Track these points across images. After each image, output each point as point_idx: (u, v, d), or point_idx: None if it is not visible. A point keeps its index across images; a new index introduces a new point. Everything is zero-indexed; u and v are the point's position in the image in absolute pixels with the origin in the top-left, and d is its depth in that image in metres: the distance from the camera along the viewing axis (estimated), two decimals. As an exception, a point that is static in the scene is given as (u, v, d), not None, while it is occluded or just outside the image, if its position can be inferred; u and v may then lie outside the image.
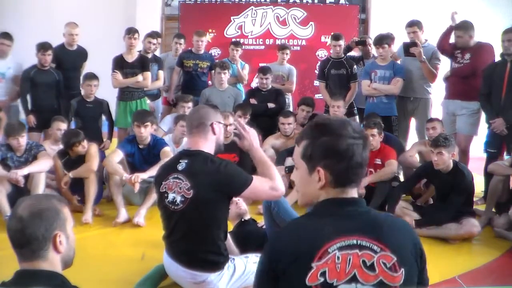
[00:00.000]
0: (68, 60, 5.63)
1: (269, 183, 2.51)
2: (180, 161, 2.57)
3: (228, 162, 2.63)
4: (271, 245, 1.38)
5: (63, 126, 4.89)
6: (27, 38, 6.47)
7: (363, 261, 1.27)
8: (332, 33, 6.15)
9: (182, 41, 6.42)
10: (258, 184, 2.49)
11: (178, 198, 2.50)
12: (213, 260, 2.55)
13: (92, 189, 4.23)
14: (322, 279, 1.25)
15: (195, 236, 2.51)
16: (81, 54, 5.86)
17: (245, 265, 2.67)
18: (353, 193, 1.38)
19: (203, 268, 2.53)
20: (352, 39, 6.30)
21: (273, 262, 1.31)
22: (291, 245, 1.32)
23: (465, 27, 4.91)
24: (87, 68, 5.81)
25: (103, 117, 5.51)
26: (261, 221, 3.41)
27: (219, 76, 5.71)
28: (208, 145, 2.62)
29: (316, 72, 7.59)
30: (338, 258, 1.26)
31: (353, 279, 1.26)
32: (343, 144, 1.34)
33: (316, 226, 1.34)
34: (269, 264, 1.33)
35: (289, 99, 6.40)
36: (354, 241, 1.28)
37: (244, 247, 3.02)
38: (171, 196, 2.52)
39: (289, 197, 4.52)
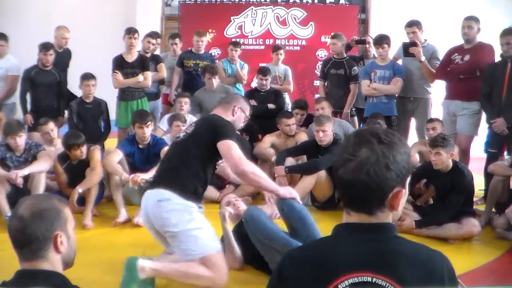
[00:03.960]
0: (58, 61, 5.67)
1: (244, 159, 2.73)
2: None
3: (232, 124, 2.92)
4: (281, 270, 1.25)
5: (51, 126, 4.77)
6: (25, 38, 6.50)
7: None
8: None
9: (177, 40, 6.42)
10: (234, 147, 2.73)
11: (182, 134, 2.95)
12: (186, 186, 2.73)
13: (93, 192, 4.20)
14: None
15: (181, 160, 2.79)
16: (68, 54, 6.00)
17: (206, 223, 2.75)
18: (382, 217, 1.21)
19: (173, 188, 2.70)
20: (352, 38, 6.30)
21: (280, 285, 1.24)
22: (300, 274, 1.20)
23: (475, 18, 4.90)
24: (87, 69, 5.82)
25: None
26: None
27: (210, 82, 5.70)
28: (224, 116, 2.94)
29: (316, 72, 7.64)
30: None
31: None
32: (336, 164, 1.23)
33: (330, 253, 1.21)
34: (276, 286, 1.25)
35: (287, 98, 6.39)
36: (369, 278, 1.15)
37: (245, 247, 3.02)
38: (181, 135, 2.97)
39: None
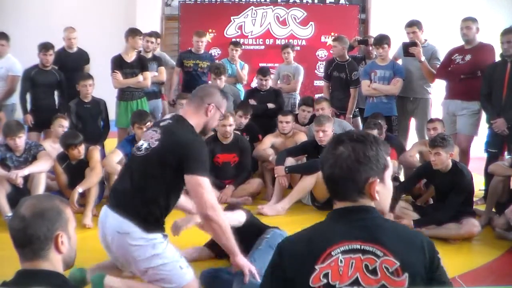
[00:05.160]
0: (68, 62, 5.71)
1: (216, 205, 2.43)
2: (166, 119, 2.67)
3: (203, 146, 2.58)
4: (280, 247, 1.41)
5: (65, 123, 4.87)
6: (26, 38, 6.48)
7: (366, 265, 1.29)
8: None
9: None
10: (205, 186, 2.41)
11: (145, 145, 2.52)
12: (146, 215, 2.44)
13: (93, 192, 4.20)
14: (325, 281, 1.29)
15: (142, 186, 2.46)
16: (82, 56, 5.97)
17: (174, 255, 2.50)
18: (364, 202, 1.39)
19: (132, 218, 2.42)
20: (354, 38, 6.30)
21: (280, 264, 1.37)
22: (297, 248, 1.37)
23: (473, 19, 4.90)
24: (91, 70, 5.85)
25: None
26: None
27: (215, 82, 5.70)
28: (195, 120, 2.59)
29: (316, 72, 7.64)
30: (341, 261, 1.30)
31: (355, 282, 1.28)
32: (321, 162, 1.43)
33: (322, 231, 1.39)
34: (276, 266, 1.38)
35: (296, 98, 6.37)
36: (358, 246, 1.31)
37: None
38: (141, 142, 2.57)
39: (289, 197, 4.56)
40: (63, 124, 4.83)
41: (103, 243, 2.60)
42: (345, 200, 1.39)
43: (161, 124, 2.59)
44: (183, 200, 2.81)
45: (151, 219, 2.46)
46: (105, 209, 2.57)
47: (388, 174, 1.42)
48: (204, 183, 2.41)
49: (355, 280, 1.28)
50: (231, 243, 2.50)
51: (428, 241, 1.39)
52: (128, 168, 2.61)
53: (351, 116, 5.82)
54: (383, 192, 1.40)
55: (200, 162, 2.44)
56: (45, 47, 5.38)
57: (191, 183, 2.42)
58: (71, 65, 5.74)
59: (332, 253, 1.31)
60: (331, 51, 5.97)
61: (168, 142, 2.47)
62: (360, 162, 1.36)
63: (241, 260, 2.55)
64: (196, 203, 2.47)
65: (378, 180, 1.38)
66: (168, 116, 2.72)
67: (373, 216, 1.38)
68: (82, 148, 4.34)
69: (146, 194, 2.45)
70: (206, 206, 2.40)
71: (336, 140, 1.42)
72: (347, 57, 5.83)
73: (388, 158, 1.43)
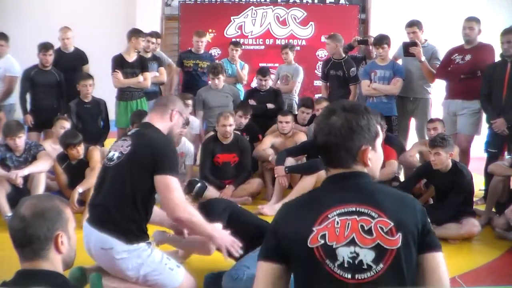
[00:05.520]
0: (64, 62, 5.64)
1: (186, 203, 2.47)
2: (133, 129, 2.72)
3: (173, 147, 2.64)
4: (278, 215, 1.48)
5: (67, 125, 4.87)
6: (25, 38, 6.48)
7: (361, 226, 1.35)
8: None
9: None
10: (173, 186, 2.42)
11: (116, 155, 2.52)
12: (126, 227, 2.42)
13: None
14: (322, 241, 1.35)
15: (117, 196, 2.44)
16: (79, 57, 5.91)
17: (161, 258, 2.49)
18: (357, 168, 1.45)
19: (113, 232, 2.40)
20: (354, 38, 6.30)
21: (278, 229, 1.43)
22: (294, 213, 1.44)
23: (477, 19, 4.91)
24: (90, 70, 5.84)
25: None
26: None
27: (214, 82, 5.71)
28: (161, 124, 2.64)
29: (316, 72, 7.64)
30: (337, 223, 1.36)
31: (352, 242, 1.34)
32: (315, 131, 1.50)
33: (318, 197, 1.47)
34: (274, 231, 1.43)
35: (293, 99, 6.36)
36: (353, 208, 1.37)
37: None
38: (111, 153, 2.55)
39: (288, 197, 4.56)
40: (64, 126, 4.82)
41: (91, 256, 2.58)
42: (339, 167, 1.45)
43: (130, 133, 2.64)
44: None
45: (133, 229, 2.45)
46: (86, 225, 2.54)
47: (379, 142, 1.49)
48: (172, 184, 2.42)
49: (351, 240, 1.34)
50: (206, 229, 2.53)
51: (420, 206, 1.45)
52: (102, 181, 2.55)
53: None
54: (374, 159, 1.47)
55: (169, 162, 2.46)
56: (44, 47, 5.38)
57: (160, 184, 2.42)
58: (67, 65, 5.65)
59: (329, 215, 1.37)
60: (327, 50, 5.96)
61: (141, 144, 2.50)
62: (353, 131, 1.42)
63: (220, 239, 2.55)
64: (164, 206, 2.47)
65: (370, 147, 1.45)
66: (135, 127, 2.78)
67: (366, 181, 1.44)
68: (81, 148, 4.34)
69: (124, 205, 2.43)
70: (175, 209, 2.42)
71: (329, 110, 1.48)
72: (343, 55, 5.82)
73: (379, 127, 1.50)
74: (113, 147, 2.61)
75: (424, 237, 1.39)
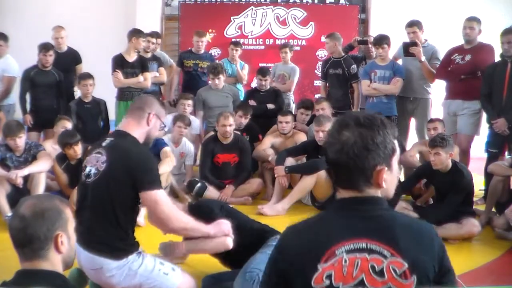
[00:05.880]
0: (58, 62, 5.59)
1: (177, 213, 2.39)
2: (107, 138, 2.50)
3: (152, 157, 2.53)
4: (280, 243, 1.36)
5: (69, 125, 4.87)
6: (25, 39, 6.48)
7: (372, 266, 1.23)
8: None
9: (154, 40, 6.12)
10: (161, 200, 2.33)
11: (93, 171, 2.40)
12: (111, 244, 2.36)
13: None
14: (327, 282, 1.23)
15: (99, 214, 2.35)
16: (72, 56, 5.90)
17: (153, 265, 2.44)
18: (370, 192, 1.31)
19: (99, 252, 2.33)
20: (354, 38, 6.30)
21: (279, 260, 1.32)
22: (299, 244, 1.30)
23: (477, 19, 4.91)
24: (87, 69, 5.81)
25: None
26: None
27: (214, 82, 5.71)
28: (138, 131, 2.51)
29: (316, 72, 7.64)
30: (345, 261, 1.23)
31: (361, 284, 1.22)
32: (325, 146, 1.35)
33: (325, 226, 1.31)
34: (276, 263, 1.33)
35: (290, 98, 6.39)
36: (364, 245, 1.24)
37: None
38: (88, 169, 2.43)
39: (288, 197, 4.56)
40: (66, 126, 4.81)
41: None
42: (350, 189, 1.31)
43: (103, 144, 2.45)
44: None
45: (119, 246, 2.39)
46: (76, 246, 2.52)
47: (395, 159, 1.34)
48: (159, 198, 2.35)
49: (360, 281, 1.22)
50: (201, 230, 2.54)
51: (439, 239, 1.33)
52: (82, 199, 2.46)
53: (358, 110, 5.81)
54: (390, 179, 1.33)
55: (150, 175, 2.36)
56: (45, 48, 5.37)
57: (147, 201, 2.34)
58: (59, 65, 5.60)
59: (336, 251, 1.24)
60: (327, 49, 5.97)
61: (116, 160, 2.37)
62: (368, 149, 1.27)
63: (218, 233, 2.60)
64: (156, 221, 2.44)
65: (386, 168, 1.30)
66: (109, 134, 2.59)
67: (380, 208, 1.30)
68: (78, 148, 4.33)
69: (107, 224, 2.36)
70: (167, 222, 2.38)
71: (341, 123, 1.32)
72: (342, 54, 5.83)
73: (396, 141, 1.35)
74: (89, 161, 2.45)
75: (441, 278, 1.29)
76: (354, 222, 1.27)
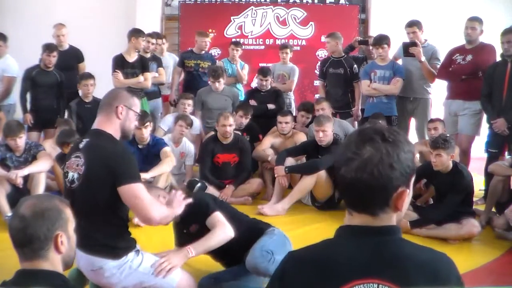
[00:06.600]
0: (59, 60, 5.57)
1: (155, 204, 2.33)
2: (83, 139, 2.46)
3: (128, 152, 2.49)
4: (282, 272, 1.22)
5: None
6: (25, 38, 6.48)
7: None
8: None
9: (154, 41, 6.09)
10: (141, 194, 2.28)
11: (75, 176, 2.37)
12: (109, 244, 2.36)
13: None
14: None
15: (90, 217, 2.29)
16: (74, 54, 5.90)
17: (152, 262, 2.46)
18: (384, 218, 1.18)
19: (98, 253, 2.34)
20: (355, 38, 6.30)
21: None
22: (304, 275, 1.17)
23: (479, 20, 4.91)
24: (87, 69, 5.81)
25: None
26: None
27: (214, 85, 5.70)
28: (111, 127, 2.45)
29: (316, 72, 7.64)
30: None
31: None
32: (339, 162, 1.18)
33: (334, 258, 1.17)
34: None
35: (290, 98, 6.39)
36: (375, 286, 1.12)
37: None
38: (70, 174, 2.40)
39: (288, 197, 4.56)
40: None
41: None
42: (364, 213, 1.17)
43: (80, 146, 2.43)
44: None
45: (118, 244, 2.39)
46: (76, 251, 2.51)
47: (413, 179, 1.20)
48: (138, 192, 2.29)
49: None
50: (173, 213, 2.49)
51: (456, 273, 1.21)
52: (71, 206, 2.47)
53: (359, 108, 5.81)
54: (406, 202, 1.19)
55: (128, 170, 2.32)
56: (49, 48, 5.37)
57: (126, 195, 2.28)
58: (61, 63, 5.58)
59: None
60: (327, 49, 5.98)
61: (93, 160, 2.34)
62: (393, 168, 1.12)
63: (175, 205, 2.51)
64: (138, 215, 2.42)
65: (408, 190, 1.17)
66: (86, 135, 2.53)
67: (394, 239, 1.18)
68: None
69: (101, 225, 2.35)
70: (148, 214, 2.31)
71: (363, 136, 1.15)
72: (343, 53, 5.83)
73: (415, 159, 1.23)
74: (69, 165, 2.42)
75: None
76: (366, 258, 1.14)
